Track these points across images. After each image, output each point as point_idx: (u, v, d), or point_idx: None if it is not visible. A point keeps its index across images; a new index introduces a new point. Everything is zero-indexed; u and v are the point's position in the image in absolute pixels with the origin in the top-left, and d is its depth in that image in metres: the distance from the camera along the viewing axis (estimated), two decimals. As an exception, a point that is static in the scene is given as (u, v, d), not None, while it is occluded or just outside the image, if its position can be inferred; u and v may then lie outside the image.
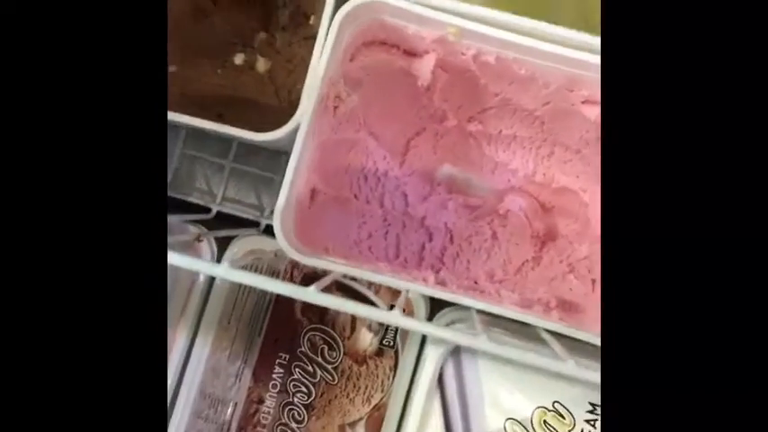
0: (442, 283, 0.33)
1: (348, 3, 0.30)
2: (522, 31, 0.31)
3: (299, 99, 0.32)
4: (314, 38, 0.32)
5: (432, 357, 0.33)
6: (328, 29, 0.31)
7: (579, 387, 0.33)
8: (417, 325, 0.32)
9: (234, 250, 0.40)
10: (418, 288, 0.31)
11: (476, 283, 0.37)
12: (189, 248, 0.40)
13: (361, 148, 0.37)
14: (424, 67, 0.34)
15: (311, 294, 0.29)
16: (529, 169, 0.39)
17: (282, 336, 0.40)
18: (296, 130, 0.31)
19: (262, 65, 0.38)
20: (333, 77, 0.32)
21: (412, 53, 0.34)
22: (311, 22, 0.34)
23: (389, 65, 0.34)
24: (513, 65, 0.33)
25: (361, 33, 0.33)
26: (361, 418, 0.39)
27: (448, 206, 0.39)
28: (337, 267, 0.31)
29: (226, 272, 0.30)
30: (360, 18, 0.32)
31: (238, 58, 0.38)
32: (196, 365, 0.41)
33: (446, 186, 0.40)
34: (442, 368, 0.33)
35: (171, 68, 0.37)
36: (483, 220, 0.39)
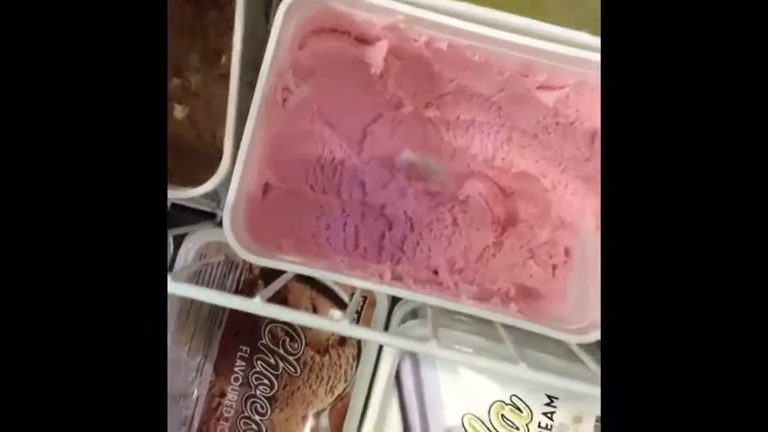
0: (398, 278, 0.33)
1: (288, -4, 0.29)
2: (474, 19, 0.30)
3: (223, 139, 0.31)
4: (228, 75, 0.31)
5: (388, 355, 0.33)
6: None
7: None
8: (367, 334, 0.31)
9: (189, 245, 0.40)
10: (372, 287, 0.30)
11: (435, 273, 0.36)
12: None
13: (316, 138, 0.36)
14: (377, 55, 0.33)
15: (257, 306, 0.29)
16: (488, 154, 0.38)
17: (243, 328, 0.40)
18: (229, 176, 0.30)
19: (179, 112, 0.36)
20: (281, 68, 0.31)
21: (363, 40, 0.33)
22: (222, 60, 0.33)
23: (341, 52, 0.33)
24: (466, 51, 0.32)
25: (310, 20, 0.31)
26: (324, 409, 0.39)
27: (407, 193, 0.38)
28: (290, 267, 0.30)
29: (174, 287, 0.29)
30: (306, 5, 0.30)
31: None
32: (156, 361, 0.40)
33: (405, 173, 0.39)
34: (399, 365, 0.33)
35: None
36: (443, 206, 0.39)
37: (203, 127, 0.35)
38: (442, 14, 0.30)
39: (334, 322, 0.30)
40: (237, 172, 0.30)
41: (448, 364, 0.32)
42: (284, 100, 0.32)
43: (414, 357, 0.33)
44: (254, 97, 0.30)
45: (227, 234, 0.30)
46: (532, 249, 0.38)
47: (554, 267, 0.37)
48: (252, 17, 0.33)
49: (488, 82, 0.34)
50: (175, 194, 0.32)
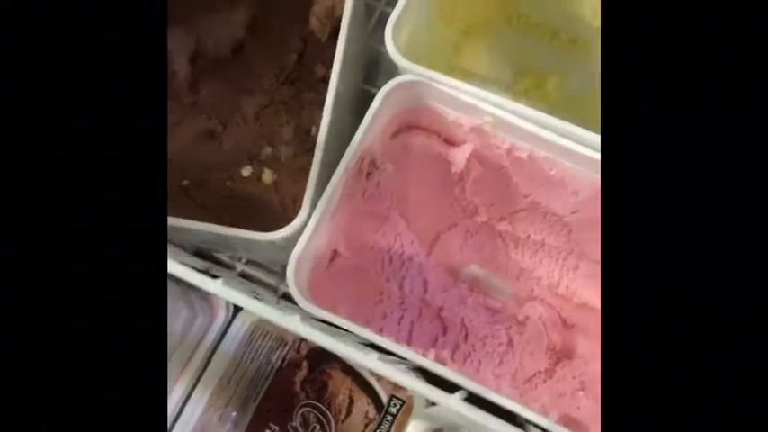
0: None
1: (392, 80, 0.33)
2: (554, 130, 0.32)
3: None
4: (314, 149, 0.34)
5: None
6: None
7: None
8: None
9: (248, 312, 0.41)
10: (416, 358, 0.29)
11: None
12: (206, 300, 0.41)
13: (391, 228, 0.38)
14: (460, 155, 0.35)
15: (295, 324, 0.29)
16: (554, 279, 0.38)
17: (277, 406, 0.39)
18: (299, 232, 0.31)
19: (268, 176, 0.40)
20: (371, 145, 0.34)
21: (450, 141, 0.36)
22: (312, 134, 0.36)
23: (428, 149, 0.36)
24: (544, 164, 0.34)
25: (407, 114, 0.35)
26: None
27: (467, 302, 0.39)
28: (342, 323, 0.31)
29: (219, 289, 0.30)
30: (406, 100, 0.34)
31: (246, 171, 0.40)
32: (187, 421, 0.40)
33: (468, 284, 0.40)
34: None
35: (183, 182, 0.40)
36: (501, 324, 0.38)
37: (286, 193, 0.38)
38: (524, 120, 0.32)
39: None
40: (311, 225, 0.32)
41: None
42: (368, 173, 0.34)
43: None
44: (341, 162, 0.32)
45: (289, 278, 0.31)
46: (584, 382, 0.36)
47: (606, 405, 0.35)
48: (342, 101, 0.36)
49: (562, 201, 0.35)
50: (247, 235, 0.33)
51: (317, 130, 0.34)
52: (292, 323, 0.28)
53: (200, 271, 0.29)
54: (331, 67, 0.35)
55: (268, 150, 0.39)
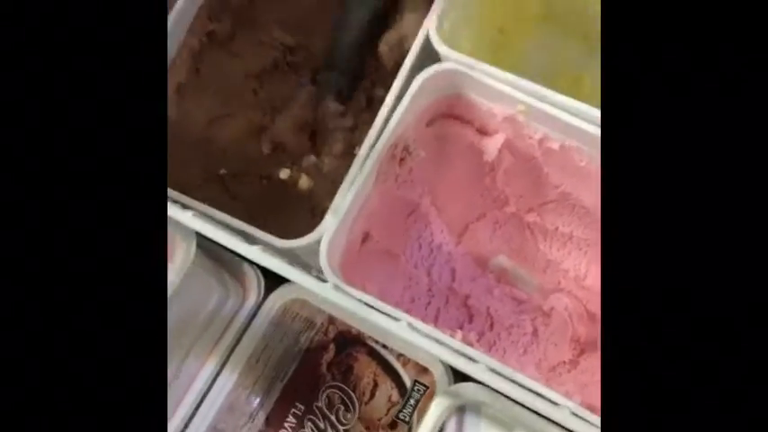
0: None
1: (431, 67, 0.34)
2: (587, 119, 0.33)
3: None
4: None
5: (435, 409, 0.32)
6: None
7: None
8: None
9: (279, 293, 0.41)
10: (444, 338, 0.30)
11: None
12: (238, 279, 0.42)
13: (422, 216, 0.39)
14: (492, 145, 0.36)
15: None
16: (580, 271, 0.39)
17: (303, 386, 0.40)
18: (318, 242, 0.32)
19: (305, 182, 0.40)
20: (405, 132, 0.35)
21: (483, 131, 0.37)
22: (356, 151, 0.37)
23: (461, 138, 0.37)
24: (575, 155, 0.34)
25: (443, 102, 0.36)
26: (359, 490, 0.37)
27: (494, 292, 0.39)
28: (370, 300, 0.31)
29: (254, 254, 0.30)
30: (443, 87, 0.35)
31: (284, 173, 0.40)
32: (215, 398, 0.41)
33: (496, 275, 0.40)
34: (443, 423, 0.32)
35: (221, 171, 0.40)
36: (527, 314, 0.39)
37: (318, 201, 0.38)
38: (557, 108, 0.33)
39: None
40: (344, 204, 0.33)
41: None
42: (401, 159, 0.35)
43: (460, 418, 0.32)
44: (375, 146, 0.33)
45: (322, 254, 0.32)
46: (609, 373, 0.36)
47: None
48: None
49: (591, 192, 0.36)
50: (268, 239, 0.34)
51: (359, 148, 0.35)
52: (324, 289, 0.29)
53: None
54: (389, 90, 0.35)
55: (312, 159, 0.40)
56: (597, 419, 0.28)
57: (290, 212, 0.40)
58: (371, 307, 0.31)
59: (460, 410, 0.33)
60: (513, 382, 0.28)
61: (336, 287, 0.30)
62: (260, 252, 0.30)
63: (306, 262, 0.37)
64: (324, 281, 0.32)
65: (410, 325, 0.29)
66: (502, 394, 0.29)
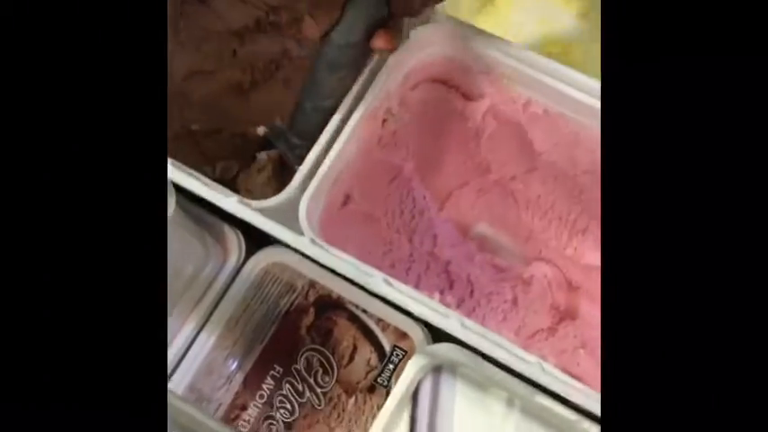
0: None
1: (417, 27, 0.33)
2: (570, 83, 0.32)
3: None
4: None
5: (411, 368, 0.32)
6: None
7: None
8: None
9: (259, 257, 0.41)
10: (423, 299, 0.30)
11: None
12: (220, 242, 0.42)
13: (404, 181, 0.39)
14: (477, 110, 0.36)
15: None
16: (562, 240, 0.39)
17: (282, 348, 0.40)
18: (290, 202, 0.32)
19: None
20: (389, 92, 0.34)
21: (469, 96, 0.36)
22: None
23: (446, 103, 0.37)
24: (559, 120, 0.34)
25: (429, 65, 0.35)
26: (335, 451, 0.38)
27: (475, 260, 0.39)
28: (351, 260, 0.31)
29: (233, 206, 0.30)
30: (429, 48, 0.34)
31: (261, 130, 0.39)
32: (193, 358, 0.40)
33: (477, 243, 0.40)
34: (419, 382, 0.32)
35: (193, 126, 0.39)
36: (507, 282, 0.39)
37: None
38: (542, 72, 0.33)
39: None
40: (326, 164, 0.32)
41: (468, 393, 0.31)
42: (384, 120, 0.35)
43: (436, 378, 0.32)
44: (357, 107, 0.33)
45: (301, 210, 0.31)
46: (586, 340, 0.37)
47: (605, 365, 0.36)
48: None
49: (576, 159, 0.36)
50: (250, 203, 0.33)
51: None
52: (302, 244, 0.29)
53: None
54: None
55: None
56: (568, 378, 0.29)
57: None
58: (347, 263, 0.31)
59: (437, 371, 0.33)
60: (485, 338, 0.28)
61: (313, 241, 0.29)
62: (237, 203, 0.30)
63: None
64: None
65: (385, 280, 0.29)
66: (477, 351, 0.29)
